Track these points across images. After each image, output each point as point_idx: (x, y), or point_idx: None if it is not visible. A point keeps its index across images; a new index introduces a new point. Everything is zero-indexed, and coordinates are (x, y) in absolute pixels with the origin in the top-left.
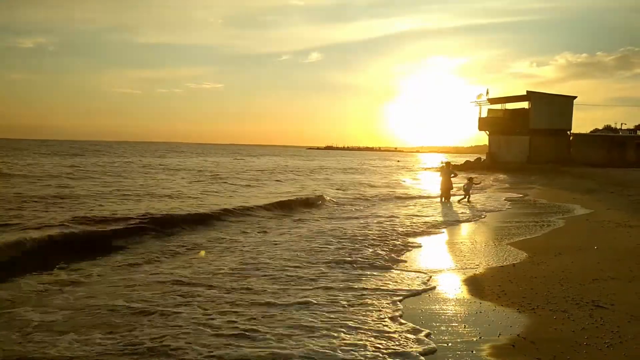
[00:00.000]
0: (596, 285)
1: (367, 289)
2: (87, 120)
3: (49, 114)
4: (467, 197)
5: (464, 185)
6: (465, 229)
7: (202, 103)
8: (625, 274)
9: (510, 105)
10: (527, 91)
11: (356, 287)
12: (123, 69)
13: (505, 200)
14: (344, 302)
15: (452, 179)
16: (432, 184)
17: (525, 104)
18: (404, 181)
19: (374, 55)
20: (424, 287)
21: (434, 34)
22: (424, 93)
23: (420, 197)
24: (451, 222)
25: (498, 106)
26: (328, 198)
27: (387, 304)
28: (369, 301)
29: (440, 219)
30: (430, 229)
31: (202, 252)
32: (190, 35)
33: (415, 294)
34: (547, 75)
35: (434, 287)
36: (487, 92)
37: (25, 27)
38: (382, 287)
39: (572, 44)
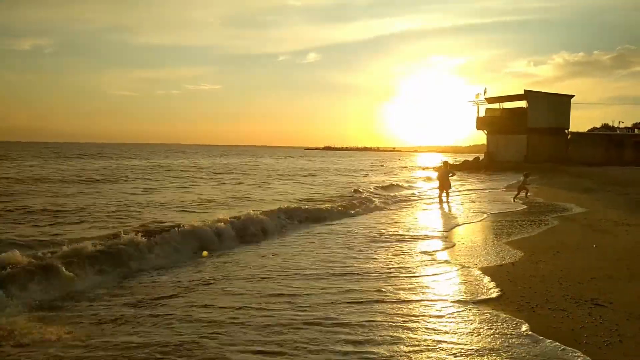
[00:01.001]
0: (595, 283)
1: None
2: (85, 122)
3: (46, 116)
4: (519, 193)
5: (520, 183)
6: (466, 229)
7: (200, 104)
8: (624, 273)
9: (508, 105)
10: (525, 90)
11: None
12: (121, 70)
13: (505, 199)
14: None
15: (450, 178)
16: (433, 183)
17: (522, 103)
18: (413, 181)
19: (373, 55)
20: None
21: (433, 33)
22: (422, 93)
23: (427, 197)
24: (451, 222)
25: (496, 105)
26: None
27: None
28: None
29: (440, 219)
30: (429, 230)
31: (205, 253)
32: (189, 35)
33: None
34: (545, 74)
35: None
36: (485, 92)
37: (23, 29)
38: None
39: (570, 42)
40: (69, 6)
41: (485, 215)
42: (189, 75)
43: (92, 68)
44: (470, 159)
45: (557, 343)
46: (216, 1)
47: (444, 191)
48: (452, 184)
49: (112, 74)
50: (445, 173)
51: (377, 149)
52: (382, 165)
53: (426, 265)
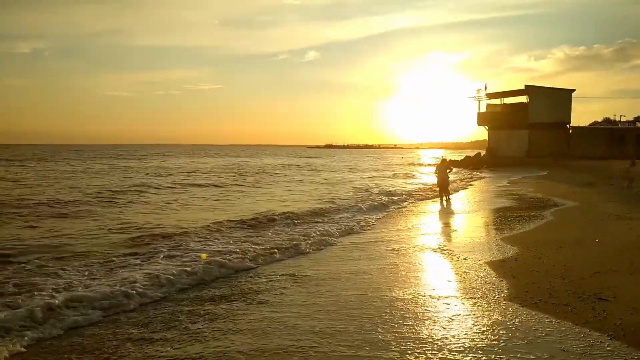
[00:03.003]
0: (598, 278)
1: None
2: (86, 124)
3: (46, 119)
4: (630, 181)
5: (627, 169)
6: (468, 225)
7: (200, 104)
8: (626, 267)
9: (509, 100)
10: (526, 85)
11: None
12: (121, 72)
13: (507, 195)
14: None
15: (448, 174)
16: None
17: (523, 98)
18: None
19: (372, 52)
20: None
21: (432, 30)
22: (422, 90)
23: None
24: (452, 219)
25: (497, 101)
26: None
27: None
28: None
29: (442, 217)
30: (432, 227)
31: (204, 255)
32: (186, 37)
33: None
34: (546, 69)
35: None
36: (486, 87)
37: (22, 32)
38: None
39: (570, 37)
40: (68, 9)
41: (486, 211)
42: (188, 76)
43: (90, 70)
44: (472, 155)
45: None
46: (214, 2)
47: (444, 188)
48: (455, 178)
49: (112, 76)
50: (444, 169)
51: (379, 147)
52: (412, 164)
53: (429, 262)
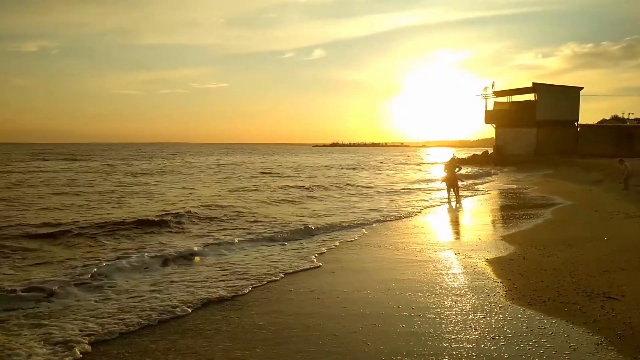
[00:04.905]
0: (607, 276)
1: None
2: (92, 123)
3: (52, 118)
4: (626, 182)
5: (624, 172)
6: (475, 223)
7: (206, 103)
8: (635, 265)
9: (517, 98)
10: (533, 83)
11: None
12: (126, 71)
13: (515, 193)
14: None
15: (457, 172)
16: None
17: (531, 96)
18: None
19: (378, 50)
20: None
21: (438, 27)
22: (429, 87)
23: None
24: (459, 217)
25: (504, 99)
26: None
27: None
28: None
29: (450, 214)
30: (440, 225)
31: (198, 258)
32: (192, 35)
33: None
34: (553, 66)
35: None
36: (493, 85)
37: (29, 32)
38: None
39: (578, 34)
40: (74, 8)
41: (493, 210)
42: (195, 74)
43: (99, 69)
44: (479, 153)
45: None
46: (220, 1)
47: (453, 186)
48: (461, 175)
49: (119, 74)
50: (452, 168)
51: (385, 145)
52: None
53: (435, 260)
